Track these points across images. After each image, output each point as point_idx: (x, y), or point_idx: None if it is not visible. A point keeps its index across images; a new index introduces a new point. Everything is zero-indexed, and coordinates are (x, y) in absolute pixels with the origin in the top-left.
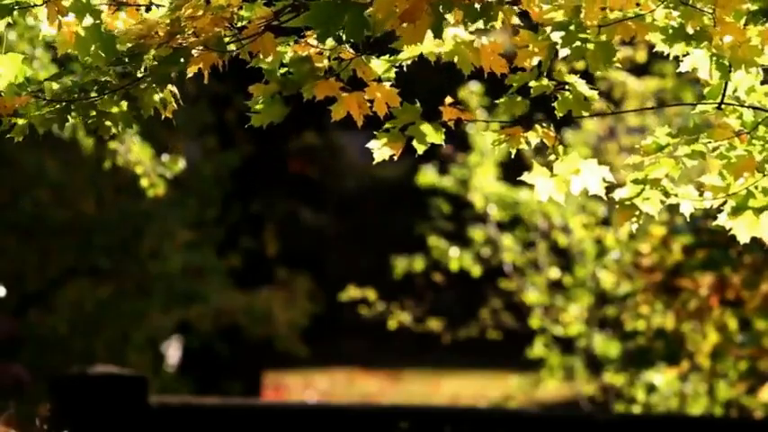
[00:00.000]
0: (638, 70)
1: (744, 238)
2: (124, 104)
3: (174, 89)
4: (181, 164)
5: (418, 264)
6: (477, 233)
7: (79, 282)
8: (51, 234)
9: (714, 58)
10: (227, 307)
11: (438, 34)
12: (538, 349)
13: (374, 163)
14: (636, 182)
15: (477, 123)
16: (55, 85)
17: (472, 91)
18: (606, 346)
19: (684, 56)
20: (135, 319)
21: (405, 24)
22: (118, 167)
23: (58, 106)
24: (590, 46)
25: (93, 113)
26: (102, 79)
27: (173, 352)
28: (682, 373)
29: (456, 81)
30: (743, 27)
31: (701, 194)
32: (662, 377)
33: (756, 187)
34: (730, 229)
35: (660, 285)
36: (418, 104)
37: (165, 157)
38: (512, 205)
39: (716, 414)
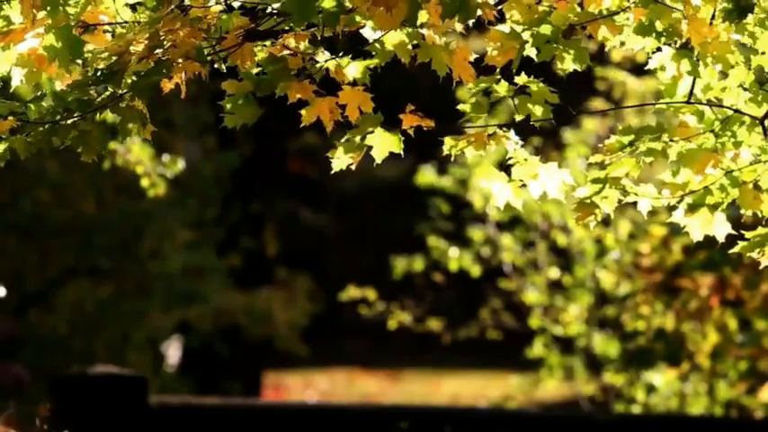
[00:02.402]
0: (638, 70)
1: (697, 236)
2: (105, 119)
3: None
4: (181, 164)
5: (418, 264)
6: (476, 233)
7: (79, 282)
8: (51, 234)
9: (683, 55)
10: (227, 307)
11: (413, 23)
12: (537, 349)
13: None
14: (596, 181)
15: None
16: (35, 108)
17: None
18: (606, 346)
19: (653, 53)
20: (135, 319)
21: (380, 11)
22: (118, 167)
23: (42, 128)
24: (561, 45)
25: (75, 134)
26: (85, 98)
27: (173, 352)
28: (682, 374)
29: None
30: (710, 24)
31: (660, 192)
32: (662, 377)
33: (714, 184)
34: (684, 226)
35: (660, 285)
36: (379, 114)
37: (165, 157)
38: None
39: (716, 414)
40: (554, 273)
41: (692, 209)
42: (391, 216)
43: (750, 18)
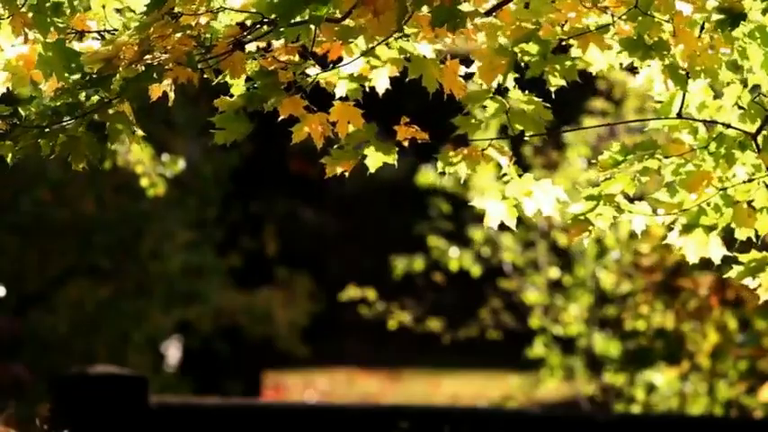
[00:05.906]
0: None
1: (693, 258)
2: (98, 123)
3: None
4: (181, 164)
5: (418, 264)
6: (476, 233)
7: (79, 282)
8: (51, 234)
9: (672, 69)
10: (228, 307)
11: (400, 27)
12: (538, 349)
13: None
14: (590, 198)
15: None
16: (26, 111)
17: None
18: (606, 345)
19: (641, 68)
20: (135, 319)
21: (370, 17)
22: (118, 167)
23: (32, 132)
24: (549, 61)
25: (63, 139)
26: (74, 102)
27: (173, 352)
28: (682, 373)
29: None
30: (699, 37)
31: (654, 210)
32: (662, 377)
33: (708, 204)
34: (680, 248)
35: (660, 285)
36: (374, 124)
37: (165, 157)
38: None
39: (716, 414)
40: (554, 273)
41: (687, 229)
42: (391, 216)
43: (739, 31)
